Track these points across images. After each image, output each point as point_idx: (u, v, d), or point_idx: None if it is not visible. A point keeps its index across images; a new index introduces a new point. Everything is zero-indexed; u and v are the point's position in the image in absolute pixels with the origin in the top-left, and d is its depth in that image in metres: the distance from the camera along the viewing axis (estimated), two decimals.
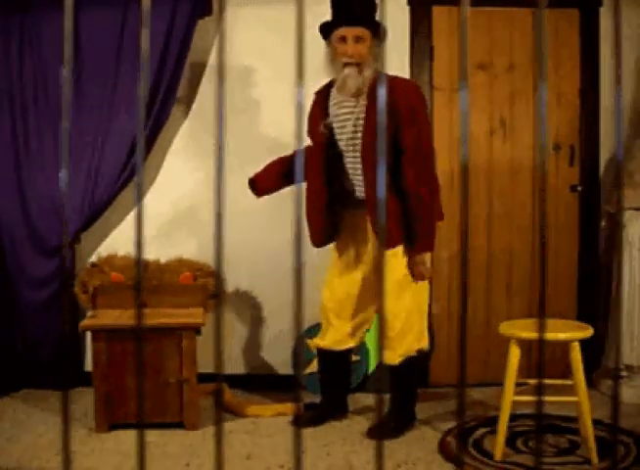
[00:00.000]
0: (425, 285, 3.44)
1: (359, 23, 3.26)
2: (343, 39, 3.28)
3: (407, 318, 3.38)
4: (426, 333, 3.48)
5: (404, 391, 3.49)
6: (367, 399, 3.93)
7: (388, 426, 3.42)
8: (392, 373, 3.40)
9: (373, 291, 3.44)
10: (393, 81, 3.22)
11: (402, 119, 3.22)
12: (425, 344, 3.47)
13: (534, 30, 4.11)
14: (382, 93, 1.20)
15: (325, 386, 3.71)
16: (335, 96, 3.43)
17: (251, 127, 4.15)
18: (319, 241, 3.51)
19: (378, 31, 3.22)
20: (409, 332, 3.39)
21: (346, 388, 3.75)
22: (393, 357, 3.39)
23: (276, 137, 4.09)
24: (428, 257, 3.37)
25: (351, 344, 3.61)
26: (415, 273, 3.35)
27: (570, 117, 4.17)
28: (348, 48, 3.27)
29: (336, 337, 3.57)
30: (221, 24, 1.29)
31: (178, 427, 3.51)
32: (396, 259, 3.34)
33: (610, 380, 3.94)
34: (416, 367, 3.49)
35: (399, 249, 3.33)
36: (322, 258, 3.94)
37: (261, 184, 3.61)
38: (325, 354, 3.64)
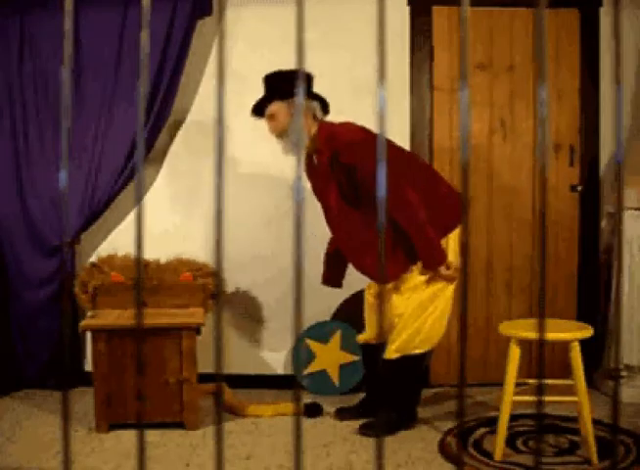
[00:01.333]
0: (446, 291, 3.43)
1: (265, 103, 3.45)
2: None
3: (409, 317, 3.40)
4: (434, 338, 3.47)
5: (399, 388, 3.49)
6: None
7: (380, 423, 3.43)
8: (387, 368, 3.42)
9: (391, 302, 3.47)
10: (333, 132, 3.36)
11: (350, 170, 3.31)
12: (425, 347, 3.47)
13: (534, 30, 4.11)
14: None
15: (366, 380, 3.82)
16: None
17: (251, 126, 4.15)
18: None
19: (284, 96, 3.38)
20: (409, 331, 3.40)
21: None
22: (390, 352, 3.41)
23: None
24: (442, 268, 3.34)
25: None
26: (444, 280, 3.40)
27: (570, 117, 4.17)
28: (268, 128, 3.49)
29: (372, 331, 3.63)
30: (221, 24, 1.29)
31: (178, 427, 3.51)
32: (415, 279, 3.41)
33: (610, 380, 3.94)
34: (415, 367, 3.49)
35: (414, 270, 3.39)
36: (320, 259, 3.94)
37: (332, 279, 3.73)
38: (363, 349, 3.72)
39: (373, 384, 3.74)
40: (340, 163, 3.32)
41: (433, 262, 3.32)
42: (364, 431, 3.44)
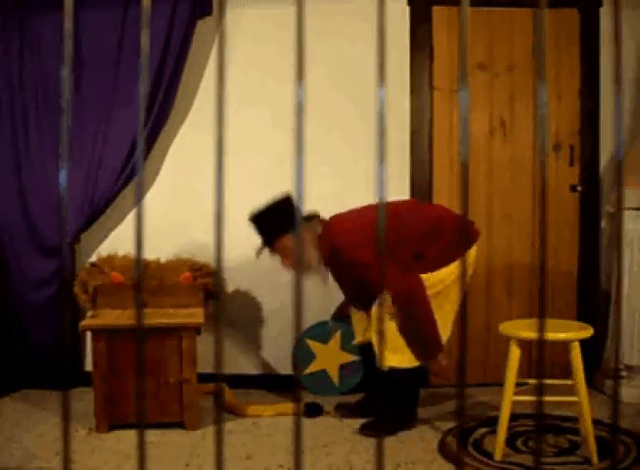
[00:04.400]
0: (448, 309, 3.42)
1: (268, 244, 3.46)
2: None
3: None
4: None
5: (399, 393, 3.49)
6: None
7: (381, 424, 3.43)
8: (386, 376, 3.41)
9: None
10: (324, 245, 3.41)
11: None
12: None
13: (534, 30, 4.11)
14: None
15: (366, 379, 3.90)
16: None
17: (251, 126, 4.15)
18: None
19: (283, 231, 3.38)
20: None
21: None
22: (385, 363, 3.38)
23: (277, 135, 4.09)
24: (441, 356, 3.40)
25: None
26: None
27: (570, 118, 4.17)
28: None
29: (360, 335, 3.68)
30: (221, 24, 1.29)
31: (178, 427, 3.51)
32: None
33: (610, 380, 3.94)
34: (413, 371, 3.48)
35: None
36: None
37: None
38: (361, 349, 3.76)
39: (372, 383, 3.74)
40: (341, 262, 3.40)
41: (423, 356, 3.40)
42: (364, 431, 3.44)
